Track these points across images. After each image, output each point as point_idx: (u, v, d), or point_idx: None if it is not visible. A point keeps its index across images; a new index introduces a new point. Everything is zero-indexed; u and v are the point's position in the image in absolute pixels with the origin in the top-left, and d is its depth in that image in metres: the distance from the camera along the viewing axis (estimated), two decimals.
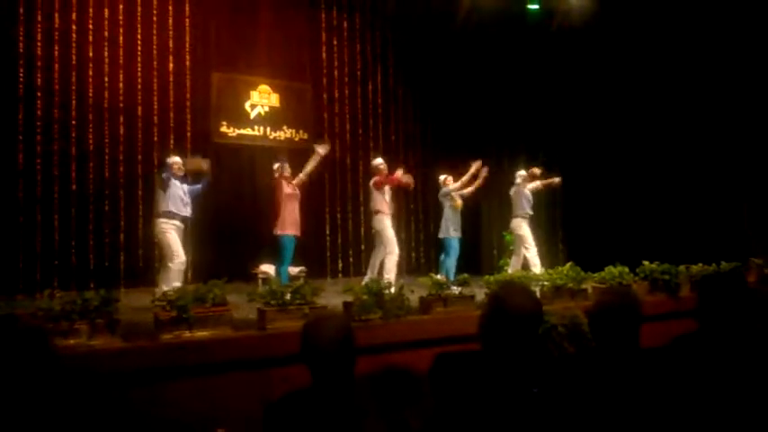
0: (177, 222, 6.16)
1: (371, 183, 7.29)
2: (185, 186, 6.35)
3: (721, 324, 2.53)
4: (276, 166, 6.95)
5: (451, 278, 6.97)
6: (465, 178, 7.83)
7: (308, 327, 1.99)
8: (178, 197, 6.16)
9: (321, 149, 6.88)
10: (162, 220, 6.08)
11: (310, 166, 6.81)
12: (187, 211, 6.28)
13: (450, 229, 7.74)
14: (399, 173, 7.31)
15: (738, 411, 2.19)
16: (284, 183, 6.79)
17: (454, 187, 7.78)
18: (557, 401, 2.10)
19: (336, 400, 1.83)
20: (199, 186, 6.49)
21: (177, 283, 5.71)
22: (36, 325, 1.67)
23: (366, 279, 7.01)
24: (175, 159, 6.34)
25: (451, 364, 2.23)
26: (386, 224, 7.12)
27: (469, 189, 7.94)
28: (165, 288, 5.61)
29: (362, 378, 1.73)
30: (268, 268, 7.22)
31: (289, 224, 6.75)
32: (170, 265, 5.98)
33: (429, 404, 1.39)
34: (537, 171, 8.18)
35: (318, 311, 4.44)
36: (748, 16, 7.96)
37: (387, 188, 7.25)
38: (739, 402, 2.20)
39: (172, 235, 6.07)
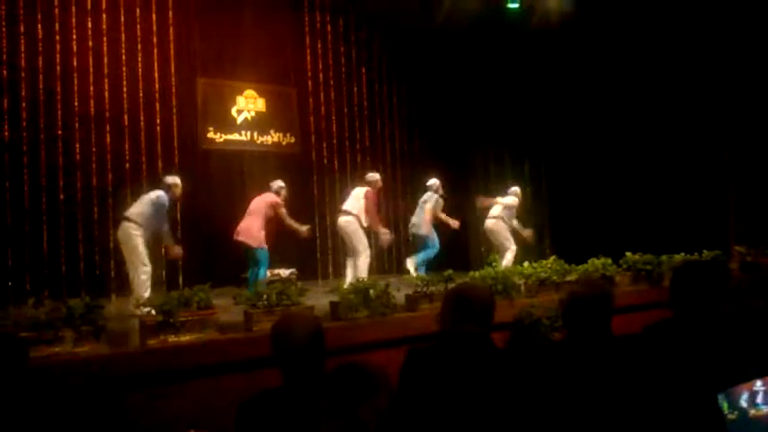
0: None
1: (364, 194, 7.33)
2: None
3: (692, 312, 2.58)
4: (277, 186, 7.14)
5: (423, 272, 7.06)
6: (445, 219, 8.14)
7: (276, 327, 2.04)
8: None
9: (304, 232, 7.19)
10: (134, 226, 5.99)
11: (289, 222, 7.08)
12: None
13: (431, 227, 7.97)
14: None
15: (699, 397, 2.24)
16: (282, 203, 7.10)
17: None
18: (524, 389, 2.16)
19: (304, 399, 1.88)
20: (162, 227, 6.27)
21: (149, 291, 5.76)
22: (5, 331, 1.70)
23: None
24: (177, 181, 6.28)
25: (422, 358, 2.30)
26: (359, 227, 7.27)
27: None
28: (145, 294, 5.67)
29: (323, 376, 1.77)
30: (280, 271, 7.63)
31: (266, 238, 7.08)
32: (140, 271, 5.90)
33: (383, 400, 1.43)
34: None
35: (291, 311, 4.49)
36: (725, 8, 8.04)
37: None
38: (700, 388, 2.26)
39: (142, 241, 6.01)
